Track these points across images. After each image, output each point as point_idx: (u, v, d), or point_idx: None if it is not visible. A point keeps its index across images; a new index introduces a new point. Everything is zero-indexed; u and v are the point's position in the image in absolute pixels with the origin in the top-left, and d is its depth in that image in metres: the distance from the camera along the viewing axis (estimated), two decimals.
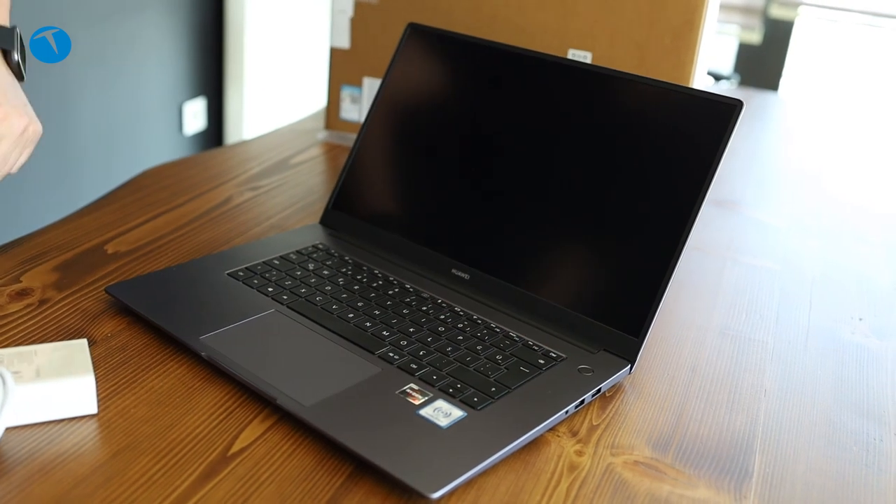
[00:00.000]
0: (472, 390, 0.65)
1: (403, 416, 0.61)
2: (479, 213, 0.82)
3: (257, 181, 1.08)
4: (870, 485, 0.62)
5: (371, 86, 1.20)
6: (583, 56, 1.07)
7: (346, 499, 0.56)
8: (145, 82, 2.42)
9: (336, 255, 0.85)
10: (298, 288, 0.78)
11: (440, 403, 0.63)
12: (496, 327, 0.74)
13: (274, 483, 0.56)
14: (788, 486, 0.61)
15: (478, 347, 0.71)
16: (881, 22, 3.36)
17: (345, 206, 0.91)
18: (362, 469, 0.58)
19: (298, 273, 0.80)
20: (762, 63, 3.30)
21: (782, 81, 3.31)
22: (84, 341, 0.65)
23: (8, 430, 0.59)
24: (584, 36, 1.06)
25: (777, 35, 3.28)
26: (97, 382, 0.64)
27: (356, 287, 0.79)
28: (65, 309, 0.74)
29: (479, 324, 0.74)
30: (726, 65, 3.34)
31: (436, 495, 0.54)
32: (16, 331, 0.70)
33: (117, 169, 2.32)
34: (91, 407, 0.61)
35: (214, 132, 2.80)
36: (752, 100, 1.75)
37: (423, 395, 0.64)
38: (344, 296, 0.77)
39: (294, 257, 0.83)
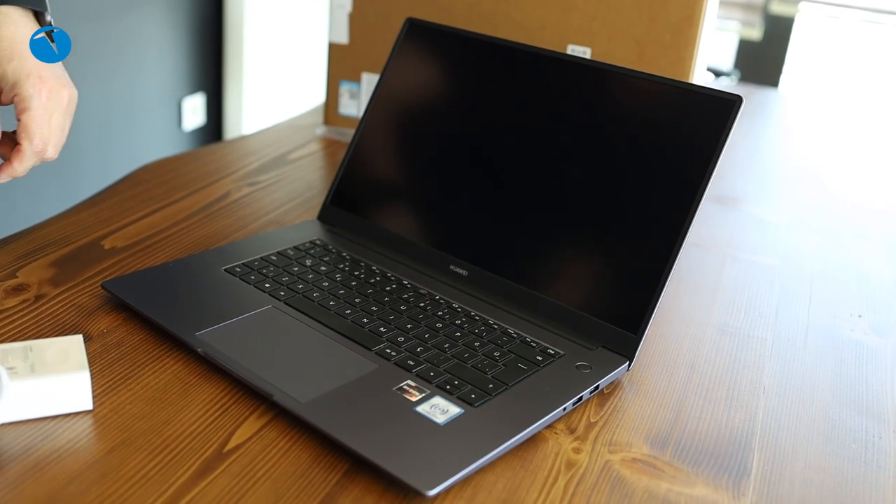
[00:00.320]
0: (470, 387, 0.64)
1: (400, 412, 0.61)
2: (477, 208, 0.82)
3: (255, 177, 1.08)
4: (869, 482, 0.62)
5: (370, 81, 1.19)
6: (582, 52, 1.06)
7: (342, 496, 0.55)
8: (144, 78, 2.41)
9: (334, 250, 0.85)
10: (296, 284, 0.77)
11: (437, 400, 0.63)
12: (494, 324, 0.74)
13: (270, 480, 0.56)
14: (787, 484, 0.61)
15: (475, 344, 0.70)
16: (881, 18, 3.36)
17: (343, 202, 0.91)
18: (359, 466, 0.58)
19: (296, 269, 0.80)
20: (762, 59, 3.30)
21: (782, 78, 3.31)
22: (80, 337, 0.65)
23: (2, 426, 0.58)
24: (584, 31, 1.05)
25: (777, 31, 3.27)
26: (92, 378, 0.64)
27: (353, 283, 0.78)
28: (61, 304, 0.74)
29: (476, 320, 0.74)
30: (726, 61, 3.34)
31: (432, 492, 0.54)
32: (11, 326, 0.70)
33: (115, 164, 2.32)
34: (86, 403, 0.60)
35: (213, 128, 2.79)
36: (753, 96, 1.75)
37: (421, 391, 0.64)
38: (341, 292, 0.77)
39: (291, 253, 0.83)
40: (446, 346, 0.70)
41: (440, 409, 0.62)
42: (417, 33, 0.90)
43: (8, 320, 0.71)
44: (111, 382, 0.64)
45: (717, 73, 2.90)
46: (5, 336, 0.69)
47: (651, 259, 0.71)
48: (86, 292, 0.76)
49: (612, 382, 0.71)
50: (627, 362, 0.70)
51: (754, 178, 1.27)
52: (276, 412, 0.63)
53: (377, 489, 0.56)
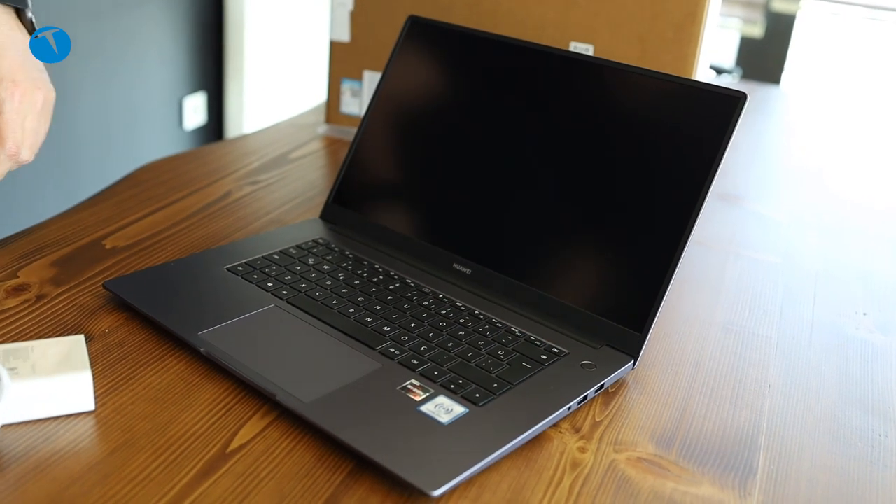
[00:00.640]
0: (474, 386, 0.64)
1: (404, 412, 0.61)
2: (480, 206, 0.81)
3: (257, 175, 1.07)
4: (875, 481, 0.62)
5: (371, 79, 1.19)
6: (584, 49, 1.06)
7: (346, 496, 0.55)
8: (145, 77, 2.41)
9: (336, 249, 0.84)
10: (298, 283, 0.77)
11: (441, 399, 0.62)
12: (498, 322, 0.73)
13: (273, 480, 0.56)
14: (793, 483, 0.61)
15: (479, 343, 0.70)
16: (883, 15, 3.35)
17: (345, 201, 0.90)
18: (363, 466, 0.58)
19: (298, 268, 0.80)
20: (764, 57, 3.29)
21: (784, 75, 3.30)
22: (81, 337, 0.64)
23: (4, 427, 0.58)
24: (586, 29, 1.05)
25: (779, 28, 3.27)
26: (94, 379, 0.64)
27: (356, 282, 0.78)
28: (62, 304, 0.74)
29: (480, 319, 0.74)
30: (728, 58, 3.33)
31: (437, 493, 0.54)
32: (12, 326, 0.70)
33: (116, 164, 2.32)
34: (88, 404, 0.60)
35: (215, 127, 2.79)
36: (755, 93, 1.74)
37: (425, 391, 0.63)
38: (344, 291, 0.76)
39: (294, 252, 0.83)
40: (450, 345, 0.69)
41: (444, 409, 0.61)
42: (419, 31, 0.90)
43: (9, 320, 0.70)
44: (113, 383, 0.64)
45: (719, 71, 2.90)
46: (6, 336, 0.68)
47: (656, 257, 0.71)
48: (87, 292, 0.76)
49: (616, 381, 0.70)
50: (632, 361, 0.70)
51: (756, 175, 1.26)
52: (280, 412, 0.62)
53: (381, 489, 0.56)
